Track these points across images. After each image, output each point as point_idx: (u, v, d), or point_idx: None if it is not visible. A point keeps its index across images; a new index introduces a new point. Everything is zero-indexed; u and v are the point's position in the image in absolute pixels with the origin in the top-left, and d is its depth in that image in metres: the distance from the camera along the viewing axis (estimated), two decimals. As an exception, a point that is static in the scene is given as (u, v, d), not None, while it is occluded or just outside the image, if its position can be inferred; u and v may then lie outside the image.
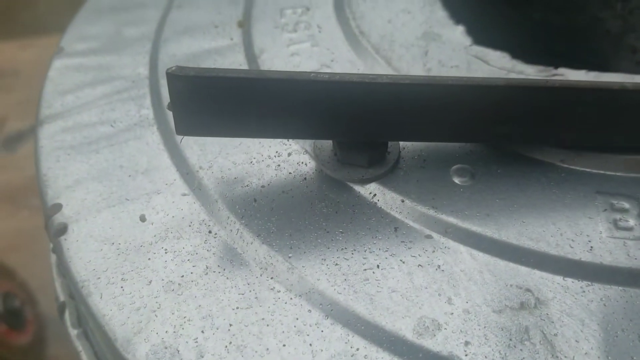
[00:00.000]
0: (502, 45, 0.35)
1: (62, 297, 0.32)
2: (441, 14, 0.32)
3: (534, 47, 0.45)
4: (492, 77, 0.24)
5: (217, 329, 0.23)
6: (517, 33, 0.44)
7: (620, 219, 0.25)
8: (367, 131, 0.25)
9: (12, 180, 0.94)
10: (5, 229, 0.88)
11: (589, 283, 0.24)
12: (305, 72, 0.23)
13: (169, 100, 0.23)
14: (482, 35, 0.33)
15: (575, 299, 0.23)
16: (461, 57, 0.30)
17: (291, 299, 0.23)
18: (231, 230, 0.26)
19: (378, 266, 0.24)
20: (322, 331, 0.23)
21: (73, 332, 0.30)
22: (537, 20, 0.44)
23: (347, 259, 0.24)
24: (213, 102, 0.23)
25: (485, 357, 0.22)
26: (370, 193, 0.26)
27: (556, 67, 0.29)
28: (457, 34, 0.31)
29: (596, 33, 0.43)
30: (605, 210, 0.25)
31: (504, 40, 0.44)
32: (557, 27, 0.44)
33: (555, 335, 0.22)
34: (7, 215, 0.90)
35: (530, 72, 0.29)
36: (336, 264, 0.24)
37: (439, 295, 0.23)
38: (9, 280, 0.79)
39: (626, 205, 0.25)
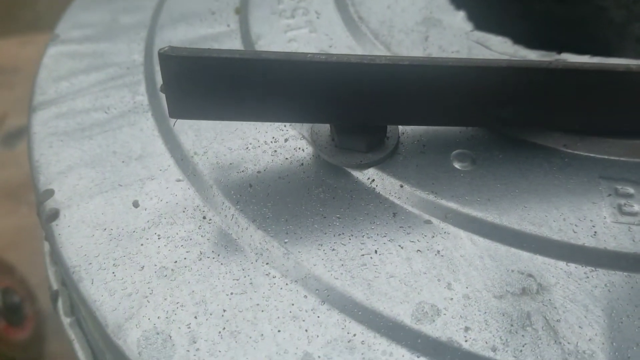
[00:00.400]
0: (504, 35, 0.35)
1: (55, 286, 0.31)
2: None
3: (537, 37, 0.44)
4: (494, 59, 0.23)
5: (211, 314, 0.22)
6: (519, 24, 0.43)
7: (625, 204, 0.24)
8: (365, 114, 0.24)
9: (12, 177, 0.94)
10: (4, 225, 0.88)
11: (593, 268, 0.23)
12: (302, 53, 0.22)
13: (162, 80, 0.23)
14: (484, 21, 0.32)
15: (579, 284, 0.23)
16: (462, 42, 0.29)
17: (287, 284, 0.23)
18: (226, 216, 0.25)
19: (376, 251, 0.23)
20: (318, 317, 0.22)
21: (66, 321, 0.30)
22: (539, 11, 0.43)
23: (345, 244, 0.24)
24: (207, 83, 0.22)
25: (486, 342, 0.21)
26: (369, 178, 0.26)
27: (559, 52, 0.29)
28: (458, 19, 0.30)
29: (600, 23, 0.43)
30: (610, 195, 0.25)
31: (505, 31, 0.43)
32: (559, 17, 0.43)
33: (558, 321, 0.22)
34: (6, 212, 0.90)
35: (532, 57, 0.28)
36: (333, 249, 0.23)
37: (438, 280, 0.23)
38: (8, 277, 0.79)
39: (631, 190, 0.25)
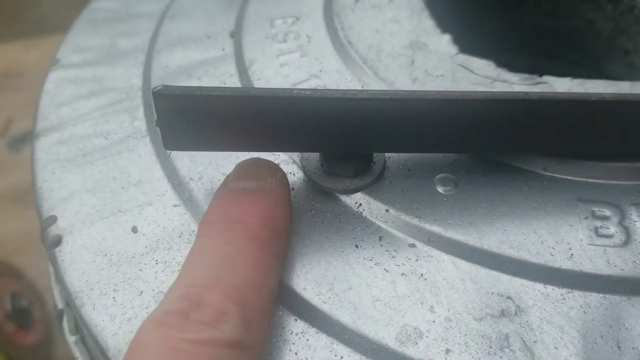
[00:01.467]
0: (493, 50, 0.36)
1: (60, 305, 0.32)
2: (428, 23, 0.32)
3: (526, 49, 0.45)
4: (471, 91, 0.24)
5: (206, 338, 0.24)
6: (508, 37, 0.44)
7: (601, 227, 0.25)
8: (351, 144, 0.25)
9: (18, 182, 0.96)
10: (12, 230, 0.89)
11: (569, 290, 0.24)
12: (288, 89, 0.23)
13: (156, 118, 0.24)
14: (470, 42, 0.33)
15: (555, 306, 0.24)
16: (447, 66, 0.30)
17: (277, 307, 0.24)
18: (220, 241, 0.26)
19: (362, 275, 0.25)
20: (307, 340, 0.23)
21: (71, 339, 0.31)
22: (528, 24, 0.44)
23: (333, 268, 0.25)
24: (199, 118, 0.24)
25: (464, 365, 0.22)
26: (356, 203, 0.27)
27: (541, 74, 0.30)
28: (444, 42, 0.31)
29: (588, 35, 0.43)
30: (587, 217, 0.26)
31: (494, 45, 0.44)
32: (548, 29, 0.44)
33: (535, 342, 0.23)
34: (14, 216, 0.92)
35: (514, 80, 0.29)
36: (322, 274, 0.25)
37: (422, 303, 0.24)
38: (17, 281, 0.80)
39: (607, 212, 0.26)
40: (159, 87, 0.23)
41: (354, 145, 0.25)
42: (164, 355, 0.19)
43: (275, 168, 0.26)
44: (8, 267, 0.81)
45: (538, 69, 0.31)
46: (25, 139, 1.03)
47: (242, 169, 0.26)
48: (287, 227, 0.25)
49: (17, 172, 0.97)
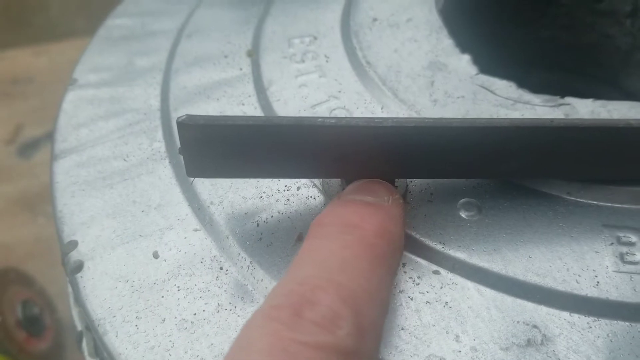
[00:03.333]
0: (511, 63, 0.35)
1: (79, 327, 0.32)
2: (447, 42, 0.32)
3: (543, 63, 0.45)
4: (495, 118, 0.24)
5: (230, 367, 0.23)
6: (526, 51, 0.44)
7: (627, 253, 0.25)
8: (374, 170, 0.25)
9: (28, 188, 0.96)
10: (22, 236, 0.90)
11: (596, 319, 0.24)
12: (312, 117, 0.23)
13: (179, 139, 0.24)
14: (488, 57, 0.33)
15: (582, 335, 0.23)
16: (467, 87, 0.30)
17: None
18: (242, 267, 0.26)
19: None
20: (332, 370, 0.23)
21: (91, 362, 0.31)
22: (545, 38, 0.44)
23: (356, 297, 0.25)
24: (222, 147, 0.23)
25: (492, 397, 0.22)
26: (378, 228, 0.27)
27: (561, 93, 0.30)
28: (463, 63, 0.31)
29: (605, 50, 0.43)
30: (612, 243, 0.25)
31: (512, 59, 0.44)
32: (565, 44, 0.44)
33: (562, 372, 0.23)
34: (24, 222, 0.92)
35: (536, 102, 0.29)
36: (345, 302, 0.24)
37: (447, 332, 0.24)
38: (27, 288, 0.80)
39: (633, 238, 0.26)
40: (184, 117, 0.23)
41: (378, 172, 0.25)
42: (275, 356, 0.18)
43: (391, 188, 0.25)
44: (19, 274, 0.82)
45: (555, 83, 0.31)
46: (34, 145, 1.04)
47: (357, 187, 0.25)
48: (402, 244, 0.24)
49: (26, 178, 0.98)
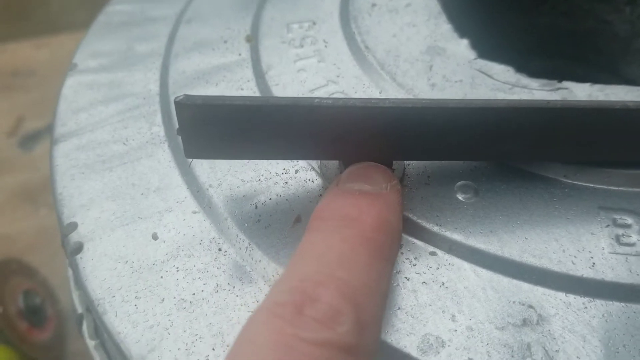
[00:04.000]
0: (510, 50, 0.35)
1: (79, 309, 0.33)
2: (446, 27, 0.32)
3: (542, 50, 0.45)
4: (493, 99, 0.24)
5: (228, 346, 0.24)
6: (524, 38, 0.44)
7: (623, 235, 0.25)
8: (371, 152, 0.25)
9: (30, 180, 0.96)
10: (24, 228, 0.90)
11: (591, 299, 0.24)
12: (309, 97, 0.23)
13: (177, 124, 0.24)
14: (488, 46, 0.33)
15: (577, 315, 0.24)
16: (465, 71, 0.30)
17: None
18: (240, 248, 0.26)
19: (383, 284, 0.24)
20: (329, 349, 0.23)
21: (91, 343, 0.31)
22: (544, 25, 0.44)
23: (353, 277, 0.25)
24: (220, 127, 0.24)
25: (487, 375, 0.22)
26: (376, 210, 0.27)
27: (560, 80, 0.30)
28: (462, 47, 0.31)
29: (604, 37, 0.43)
30: (608, 225, 0.26)
31: (511, 46, 0.44)
32: (564, 30, 0.44)
33: (557, 351, 0.23)
34: (26, 214, 0.92)
35: (534, 86, 0.29)
36: (342, 282, 0.25)
37: (443, 312, 0.24)
38: (29, 279, 0.81)
39: (629, 220, 0.26)
40: (181, 97, 0.23)
41: (375, 154, 0.25)
42: (277, 352, 0.18)
43: (388, 174, 0.25)
44: (21, 264, 0.82)
45: (554, 70, 0.31)
46: (35, 138, 1.04)
47: (355, 172, 0.25)
48: (400, 234, 0.24)
49: (28, 170, 0.98)
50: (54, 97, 0.35)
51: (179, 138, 0.30)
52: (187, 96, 0.23)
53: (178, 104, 0.23)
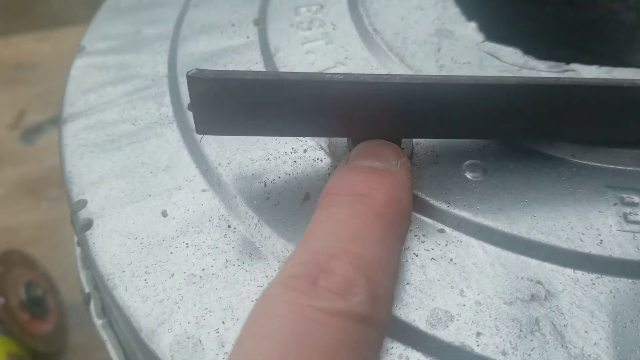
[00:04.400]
0: (515, 39, 0.35)
1: (87, 289, 0.33)
2: (454, 10, 0.33)
3: (548, 39, 0.45)
4: (503, 76, 0.24)
5: (237, 320, 0.24)
6: (530, 26, 0.44)
7: (630, 213, 0.26)
8: (380, 130, 0.25)
9: (32, 172, 0.96)
10: (26, 220, 0.90)
11: (599, 275, 0.24)
12: (320, 73, 0.23)
13: (188, 99, 0.24)
14: (495, 30, 0.33)
15: (585, 291, 0.24)
16: (473, 53, 0.30)
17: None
18: (249, 225, 0.27)
19: (392, 259, 0.25)
20: (338, 322, 0.23)
21: (98, 322, 0.32)
22: (550, 13, 0.44)
23: (362, 253, 0.25)
24: (231, 102, 0.24)
25: (496, 347, 0.22)
26: (384, 188, 0.27)
27: (568, 62, 0.30)
28: (470, 30, 0.31)
29: (610, 25, 0.43)
30: (616, 204, 0.26)
31: (517, 34, 0.44)
32: (570, 19, 0.44)
33: (565, 326, 0.23)
34: (28, 207, 0.92)
35: (542, 68, 0.29)
36: (351, 258, 0.25)
37: (452, 287, 0.24)
38: (31, 270, 0.81)
39: (636, 199, 0.26)
40: (193, 71, 0.23)
41: (384, 131, 0.25)
42: (295, 322, 0.18)
43: (398, 151, 0.25)
44: (23, 256, 0.82)
45: (560, 59, 0.31)
46: (38, 131, 1.04)
47: (365, 149, 0.25)
48: (410, 211, 0.24)
49: (30, 163, 0.98)
50: (56, 90, 0.35)
51: (188, 116, 0.30)
52: (199, 70, 0.23)
53: (190, 77, 0.23)
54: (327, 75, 0.23)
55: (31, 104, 1.09)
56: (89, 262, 0.27)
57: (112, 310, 0.29)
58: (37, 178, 0.95)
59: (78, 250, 0.34)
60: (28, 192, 0.95)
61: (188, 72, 0.23)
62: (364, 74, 0.24)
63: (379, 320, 0.20)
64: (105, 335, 0.31)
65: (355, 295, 0.19)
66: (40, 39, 1.22)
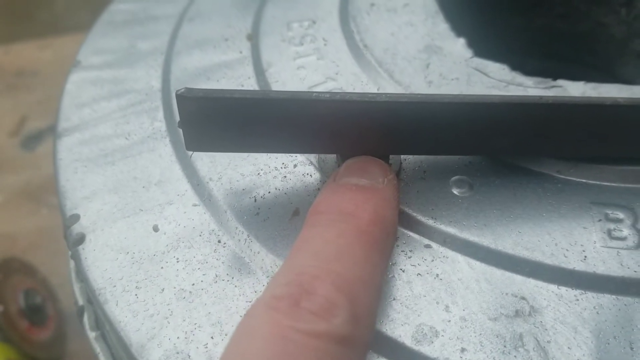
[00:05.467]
0: (505, 51, 0.36)
1: (80, 301, 0.33)
2: (443, 26, 0.33)
3: (538, 51, 0.45)
4: (488, 95, 0.24)
5: (226, 335, 0.24)
6: (520, 39, 0.44)
7: (614, 229, 0.26)
8: (368, 146, 0.26)
9: (32, 179, 0.97)
10: (25, 227, 0.90)
11: (583, 292, 0.24)
12: (308, 92, 0.24)
13: (179, 117, 0.25)
14: (484, 44, 0.34)
15: (569, 307, 0.24)
16: (462, 69, 0.31)
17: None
18: (239, 240, 0.27)
19: (379, 275, 0.25)
20: (325, 338, 0.24)
21: (91, 335, 0.32)
22: (540, 26, 0.45)
23: (349, 268, 0.25)
24: (220, 120, 0.24)
25: (480, 363, 0.23)
26: (373, 204, 0.27)
27: (555, 77, 0.30)
28: (459, 46, 0.32)
29: (601, 38, 0.44)
30: (600, 220, 0.26)
31: (507, 46, 0.45)
32: (561, 32, 0.45)
33: (549, 342, 0.23)
34: (27, 213, 0.93)
35: (529, 84, 0.30)
36: (339, 273, 0.25)
37: (437, 303, 0.24)
38: (30, 278, 0.81)
39: (620, 215, 0.26)
40: (182, 90, 0.23)
41: (371, 148, 0.26)
42: (274, 343, 0.19)
43: (385, 168, 0.25)
44: (22, 263, 0.82)
45: (551, 71, 0.31)
46: (38, 138, 1.05)
47: (352, 166, 0.25)
48: (395, 228, 0.24)
49: (30, 170, 0.99)
50: (57, 98, 0.35)
51: (180, 132, 0.30)
52: (188, 89, 0.23)
53: (180, 96, 0.23)
54: (314, 94, 0.24)
55: (32, 111, 1.10)
56: (82, 276, 0.27)
57: (104, 324, 0.29)
58: (37, 185, 0.96)
59: (72, 263, 0.34)
60: (28, 199, 0.95)
61: (177, 91, 0.23)
62: (350, 93, 0.24)
63: (359, 340, 0.20)
64: (98, 347, 0.31)
65: (336, 316, 0.20)
66: (42, 46, 1.23)
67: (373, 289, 0.22)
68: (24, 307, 0.77)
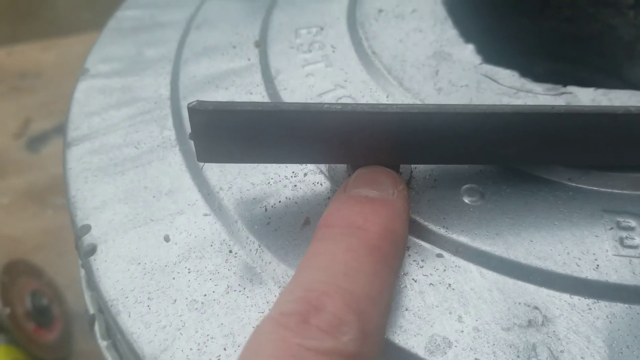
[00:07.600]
0: (514, 54, 0.36)
1: (91, 310, 0.33)
2: (451, 32, 0.33)
3: (546, 54, 0.45)
4: (498, 105, 0.24)
5: (239, 346, 0.24)
6: (528, 41, 0.44)
7: (627, 237, 0.26)
8: (378, 156, 0.26)
9: (37, 181, 0.97)
10: (31, 228, 0.91)
11: (595, 301, 0.24)
12: (319, 103, 0.24)
13: (189, 125, 0.25)
14: (492, 48, 0.33)
15: (582, 316, 0.24)
16: (471, 76, 0.31)
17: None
18: (250, 250, 0.27)
19: (391, 285, 0.25)
20: (338, 349, 0.24)
21: (103, 344, 0.32)
22: (548, 29, 0.44)
23: (361, 279, 0.25)
24: (231, 132, 0.24)
25: (493, 374, 0.23)
26: (383, 213, 0.27)
27: (563, 82, 0.30)
28: (467, 52, 0.32)
29: (609, 40, 0.44)
30: (612, 228, 0.26)
31: (515, 49, 0.45)
32: (568, 35, 0.44)
33: (562, 352, 0.23)
34: (33, 215, 0.93)
35: (538, 91, 0.30)
36: (351, 284, 0.25)
37: (450, 313, 0.24)
38: (37, 279, 0.82)
39: (632, 223, 0.26)
40: (194, 103, 0.23)
41: (382, 158, 0.26)
42: None
43: (396, 179, 0.25)
44: (28, 265, 0.83)
45: (558, 74, 0.31)
46: (43, 139, 1.05)
47: (362, 177, 0.25)
48: (405, 242, 0.24)
49: (35, 171, 0.99)
50: (61, 99, 0.35)
51: (191, 142, 0.30)
52: (199, 102, 0.23)
53: (191, 109, 0.23)
54: (325, 105, 0.24)
55: (36, 112, 1.10)
56: (93, 287, 0.27)
57: (116, 333, 0.29)
58: (42, 186, 0.96)
59: (82, 271, 0.34)
60: (33, 200, 0.95)
61: (189, 104, 0.23)
62: (360, 104, 0.24)
63: (367, 356, 0.20)
64: (110, 357, 0.32)
65: (345, 333, 0.20)
66: (45, 47, 1.23)
67: (381, 305, 0.22)
68: (30, 309, 0.78)
